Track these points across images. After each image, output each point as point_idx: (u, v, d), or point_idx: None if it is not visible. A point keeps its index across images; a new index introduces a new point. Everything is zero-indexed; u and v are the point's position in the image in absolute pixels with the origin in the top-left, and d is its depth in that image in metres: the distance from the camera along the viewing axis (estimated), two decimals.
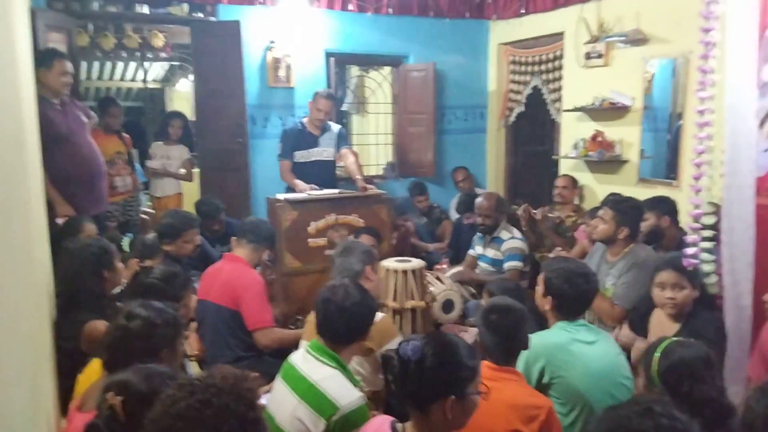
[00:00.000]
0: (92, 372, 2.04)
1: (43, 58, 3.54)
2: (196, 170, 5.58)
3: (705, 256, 2.64)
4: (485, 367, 2.06)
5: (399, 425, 1.65)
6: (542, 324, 2.51)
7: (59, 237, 3.28)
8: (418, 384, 1.56)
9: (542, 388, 2.24)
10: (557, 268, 2.40)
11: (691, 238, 2.72)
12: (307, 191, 4.24)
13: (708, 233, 2.62)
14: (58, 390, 2.42)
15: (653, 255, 3.25)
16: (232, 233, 4.27)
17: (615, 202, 3.36)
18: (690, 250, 2.72)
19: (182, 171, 5.21)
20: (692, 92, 3.76)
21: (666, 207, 3.43)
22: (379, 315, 2.58)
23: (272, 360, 2.85)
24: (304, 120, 4.76)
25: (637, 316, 2.92)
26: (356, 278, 2.68)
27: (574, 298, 2.35)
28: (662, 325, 2.67)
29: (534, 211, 4.66)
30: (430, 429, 1.58)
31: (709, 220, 2.64)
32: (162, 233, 3.43)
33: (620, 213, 3.23)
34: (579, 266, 2.45)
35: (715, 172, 2.67)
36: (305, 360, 2.08)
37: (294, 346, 2.66)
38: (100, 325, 2.45)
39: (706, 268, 2.64)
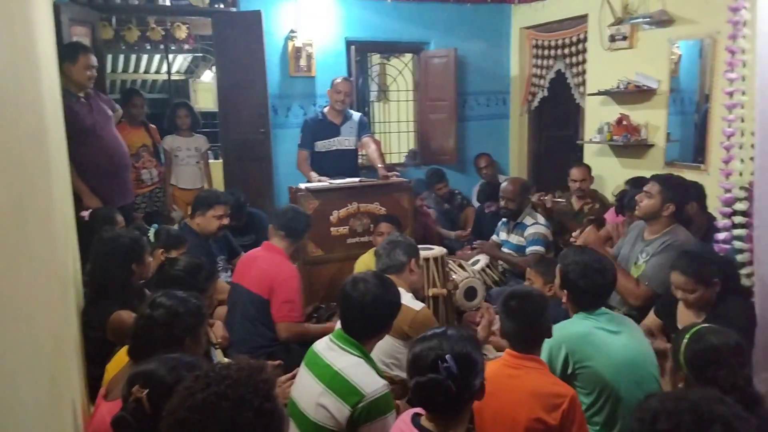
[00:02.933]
0: (120, 361, 2.07)
1: (67, 52, 3.59)
2: (218, 161, 5.62)
3: (738, 244, 2.58)
4: (508, 354, 2.06)
5: (418, 417, 1.67)
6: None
7: (91, 228, 3.34)
8: (463, 392, 1.58)
9: (567, 378, 2.22)
10: (573, 262, 2.35)
11: (722, 223, 2.66)
12: (317, 181, 4.24)
13: (740, 219, 2.55)
14: (88, 379, 2.48)
15: (692, 240, 3.12)
16: (252, 224, 4.31)
17: (663, 178, 3.22)
18: (721, 236, 2.66)
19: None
20: (720, 74, 3.68)
21: (694, 192, 3.34)
22: (419, 305, 2.59)
23: (299, 348, 2.87)
24: (325, 110, 4.74)
25: (664, 304, 2.87)
26: (401, 270, 2.73)
27: (590, 293, 2.31)
28: (689, 315, 2.62)
29: (544, 197, 4.60)
30: (452, 423, 1.61)
31: (742, 205, 2.57)
32: (196, 204, 3.67)
33: (668, 188, 3.10)
34: (596, 260, 2.37)
35: (745, 155, 2.60)
36: (329, 348, 2.09)
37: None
38: (125, 315, 2.49)
39: (740, 258, 2.58)
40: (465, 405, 1.63)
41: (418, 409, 1.68)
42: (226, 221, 3.72)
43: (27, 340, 1.21)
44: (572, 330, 2.27)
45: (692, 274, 2.49)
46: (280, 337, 3.01)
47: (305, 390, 2.04)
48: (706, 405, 1.18)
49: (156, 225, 3.33)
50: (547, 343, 2.12)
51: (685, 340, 1.84)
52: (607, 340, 2.22)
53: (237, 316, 3.08)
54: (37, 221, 1.57)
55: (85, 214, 3.43)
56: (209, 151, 5.31)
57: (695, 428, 1.14)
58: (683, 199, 3.17)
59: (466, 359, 1.58)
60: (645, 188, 3.21)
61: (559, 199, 4.69)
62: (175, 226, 3.96)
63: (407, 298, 2.56)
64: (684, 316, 2.65)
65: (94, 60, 3.71)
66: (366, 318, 2.06)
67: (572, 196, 4.77)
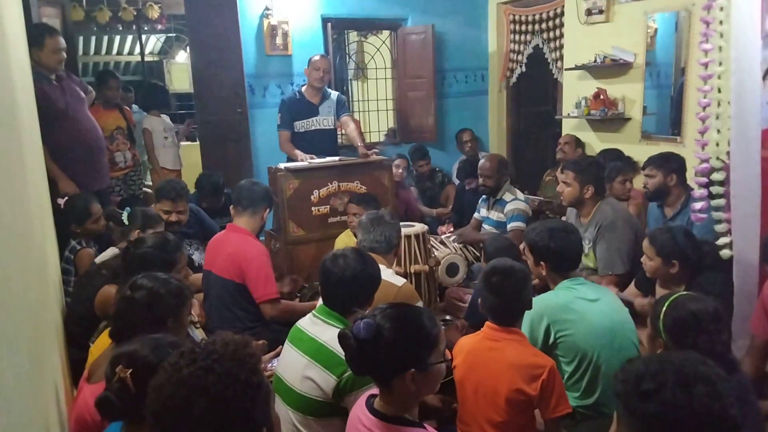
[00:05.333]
0: (104, 343, 2.06)
1: (33, 37, 3.44)
2: (196, 143, 5.59)
3: (716, 215, 2.61)
4: (488, 327, 2.07)
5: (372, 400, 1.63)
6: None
7: (67, 213, 3.30)
8: (376, 362, 1.52)
9: (549, 348, 2.26)
10: (535, 230, 2.44)
11: (697, 193, 2.70)
12: (306, 160, 4.21)
13: (717, 190, 2.58)
14: (70, 362, 2.47)
15: (621, 210, 3.29)
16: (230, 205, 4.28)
17: (573, 163, 3.40)
18: (697, 205, 2.69)
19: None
20: (695, 46, 3.70)
21: (674, 165, 3.40)
22: (401, 280, 2.60)
23: (279, 327, 2.86)
24: (302, 89, 4.68)
25: (643, 275, 2.92)
26: (388, 251, 2.73)
27: (563, 252, 2.36)
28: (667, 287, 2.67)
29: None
30: (395, 401, 1.55)
31: (719, 175, 2.59)
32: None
33: (581, 172, 3.27)
34: (556, 221, 2.51)
35: (721, 125, 2.62)
36: (313, 323, 2.11)
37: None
38: (113, 290, 2.48)
39: (718, 228, 2.61)
40: (396, 377, 1.51)
41: (375, 390, 1.65)
42: (175, 218, 3.52)
43: (5, 319, 1.19)
44: (553, 301, 2.30)
45: (655, 243, 2.64)
46: (266, 316, 2.99)
47: (290, 364, 2.06)
48: (689, 366, 1.21)
49: (129, 208, 3.29)
50: (528, 315, 2.14)
51: (664, 308, 1.87)
52: (586, 308, 2.26)
53: (213, 303, 3.05)
54: (12, 203, 1.54)
55: (61, 201, 3.37)
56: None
57: (679, 388, 1.16)
58: (599, 176, 3.33)
59: (399, 329, 1.52)
60: (561, 178, 3.40)
61: (542, 198, 4.71)
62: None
63: (388, 274, 2.57)
64: (662, 292, 2.70)
65: (62, 42, 3.60)
66: (347, 292, 2.08)
67: (557, 168, 4.85)
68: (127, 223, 3.12)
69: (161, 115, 5.12)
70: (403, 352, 1.52)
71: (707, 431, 1.16)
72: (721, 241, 2.61)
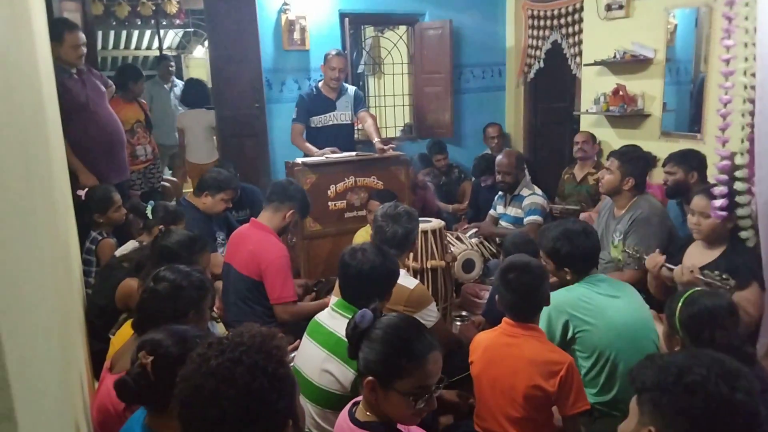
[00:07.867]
0: (126, 334, 2.10)
1: (52, 32, 3.45)
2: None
3: (740, 211, 2.59)
4: (505, 323, 2.08)
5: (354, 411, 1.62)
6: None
7: (89, 203, 3.35)
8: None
9: (567, 343, 2.26)
10: (555, 236, 2.39)
11: (718, 190, 2.68)
12: (318, 155, 4.22)
13: (740, 186, 2.56)
14: (90, 353, 2.51)
15: (657, 207, 3.24)
16: (247, 199, 4.31)
17: (621, 152, 3.36)
18: (717, 203, 2.68)
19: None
20: (716, 42, 3.66)
21: (695, 162, 3.38)
22: (413, 282, 2.59)
23: (296, 323, 2.89)
24: (319, 84, 4.69)
25: (674, 251, 2.89)
26: (408, 246, 2.72)
27: (584, 256, 2.36)
28: (699, 254, 2.67)
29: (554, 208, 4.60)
30: (383, 405, 1.54)
31: (741, 173, 2.58)
32: (208, 183, 3.67)
33: (626, 163, 3.23)
34: (573, 224, 2.45)
35: (742, 122, 2.60)
36: (332, 317, 2.13)
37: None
38: (134, 283, 2.53)
39: (742, 224, 2.60)
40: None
41: (359, 398, 1.64)
42: (230, 205, 3.79)
43: (41, 311, 1.21)
44: (572, 296, 2.30)
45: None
46: (278, 319, 3.01)
47: (309, 358, 2.08)
48: (728, 361, 1.23)
49: (153, 202, 3.33)
50: (546, 310, 2.14)
51: (679, 305, 1.88)
52: (605, 304, 2.26)
53: (231, 296, 3.08)
54: (41, 194, 1.57)
55: (82, 193, 3.42)
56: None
57: (724, 381, 1.18)
58: (643, 171, 3.30)
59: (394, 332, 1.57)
60: (605, 164, 3.35)
61: (568, 207, 4.67)
62: (172, 202, 3.97)
63: (401, 273, 2.56)
64: (693, 257, 2.68)
65: (81, 37, 3.62)
66: (365, 286, 2.09)
67: (575, 165, 4.82)
68: (150, 216, 3.16)
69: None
70: (412, 348, 1.56)
71: (739, 423, 1.17)
72: (744, 234, 2.61)
